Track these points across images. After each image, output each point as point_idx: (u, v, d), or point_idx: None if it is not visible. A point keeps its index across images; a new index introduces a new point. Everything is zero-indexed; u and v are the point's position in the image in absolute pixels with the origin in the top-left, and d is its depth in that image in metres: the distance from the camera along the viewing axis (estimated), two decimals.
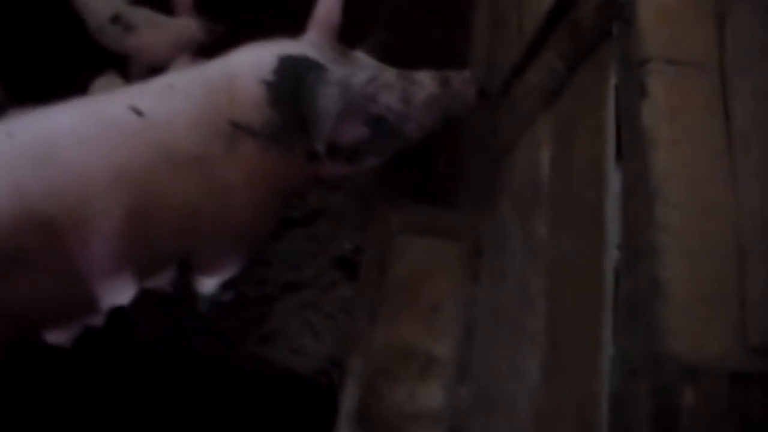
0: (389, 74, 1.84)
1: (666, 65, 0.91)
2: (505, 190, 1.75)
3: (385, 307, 1.84)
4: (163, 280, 1.81)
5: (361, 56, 1.88)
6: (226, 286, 1.89)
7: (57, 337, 1.74)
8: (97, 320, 1.73)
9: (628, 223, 0.98)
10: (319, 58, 1.77)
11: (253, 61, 1.76)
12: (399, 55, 2.86)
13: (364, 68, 1.81)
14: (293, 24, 1.94)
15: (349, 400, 1.74)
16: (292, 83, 1.72)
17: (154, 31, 2.61)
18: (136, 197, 1.65)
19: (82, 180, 1.62)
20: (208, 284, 1.88)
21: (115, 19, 2.59)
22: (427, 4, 2.91)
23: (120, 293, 1.72)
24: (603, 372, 1.08)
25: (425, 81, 1.87)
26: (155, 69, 2.60)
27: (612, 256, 1.11)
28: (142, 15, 2.59)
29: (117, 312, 1.73)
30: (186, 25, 2.60)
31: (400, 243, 1.90)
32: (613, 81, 1.19)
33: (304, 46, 1.81)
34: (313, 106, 1.70)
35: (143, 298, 1.75)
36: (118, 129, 1.67)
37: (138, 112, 1.67)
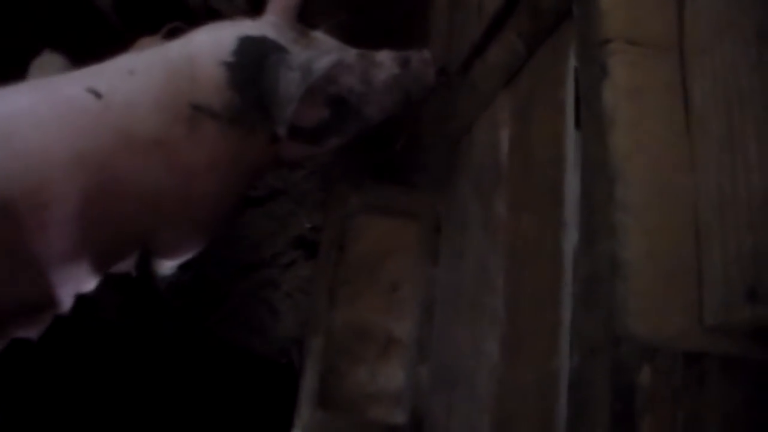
0: (349, 55, 1.83)
1: (627, 45, 0.91)
2: (464, 169, 1.76)
3: (344, 287, 1.84)
4: (123, 264, 1.79)
5: (321, 36, 1.86)
6: (185, 267, 1.88)
7: (25, 331, 1.70)
8: (64, 311, 1.70)
9: (587, 203, 0.98)
10: (279, 39, 1.76)
11: (213, 42, 1.74)
12: (359, 34, 2.86)
13: (325, 50, 1.79)
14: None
15: (309, 380, 1.74)
16: (252, 65, 1.71)
17: None
18: (96, 180, 1.63)
19: (40, 163, 1.59)
20: (167, 266, 1.87)
21: None
22: None
23: (82, 280, 1.70)
24: (562, 350, 1.09)
25: (385, 61, 1.86)
26: None
27: (571, 234, 1.12)
28: None
29: (78, 296, 1.71)
30: None
31: (360, 222, 1.90)
32: (572, 61, 1.20)
33: (264, 26, 1.79)
34: (275, 90, 1.70)
35: (103, 280, 1.74)
36: (77, 111, 1.64)
37: (96, 94, 1.64)
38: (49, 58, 2.54)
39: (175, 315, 2.06)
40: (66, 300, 1.68)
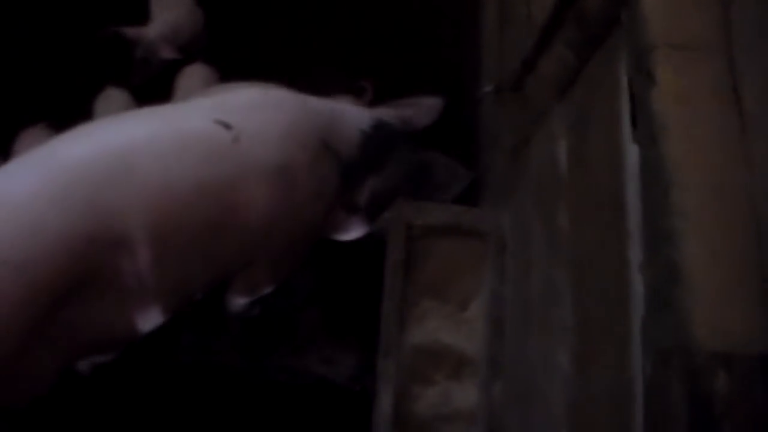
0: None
1: (672, 50, 0.91)
2: (524, 184, 1.75)
3: (412, 309, 1.84)
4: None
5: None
6: (253, 302, 1.91)
7: (103, 354, 1.74)
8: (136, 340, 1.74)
9: (647, 211, 0.97)
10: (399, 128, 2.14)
11: (357, 111, 2.11)
12: (410, 56, 2.87)
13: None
14: None
15: (383, 405, 1.74)
16: (381, 141, 2.02)
17: None
18: (217, 211, 1.68)
19: (161, 196, 1.62)
20: (237, 302, 1.90)
21: None
22: (435, 4, 2.91)
23: (173, 310, 1.73)
24: (634, 361, 1.07)
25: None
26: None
27: (635, 244, 1.11)
28: None
29: (151, 335, 1.74)
30: None
31: (424, 244, 1.90)
32: (624, 69, 1.19)
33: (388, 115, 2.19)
34: (385, 176, 2.03)
35: (173, 319, 1.77)
36: (204, 142, 1.70)
37: (226, 126, 1.70)
38: (112, 93, 2.60)
39: (248, 350, 2.08)
40: (148, 328, 1.70)
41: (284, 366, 2.09)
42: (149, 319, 1.68)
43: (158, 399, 1.99)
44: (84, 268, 1.55)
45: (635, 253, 1.11)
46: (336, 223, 1.99)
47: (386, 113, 2.21)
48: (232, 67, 2.70)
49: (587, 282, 1.33)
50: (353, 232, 2.04)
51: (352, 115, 2.06)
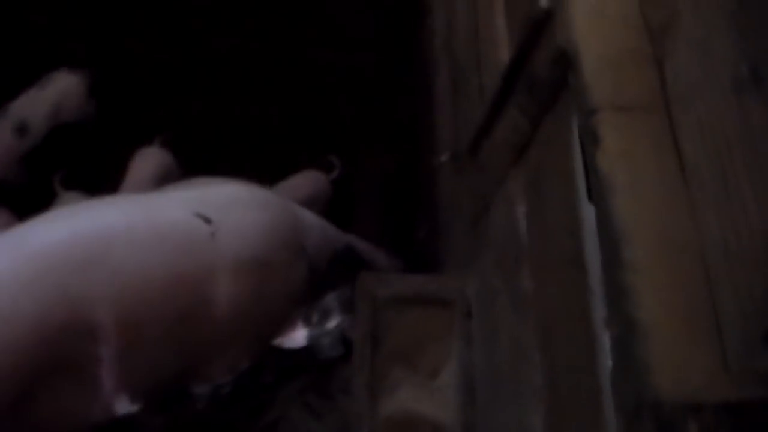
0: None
1: (614, 112, 0.94)
2: (486, 248, 1.76)
3: (383, 381, 1.83)
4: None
5: None
6: (222, 381, 1.90)
7: None
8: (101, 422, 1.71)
9: (605, 267, 0.99)
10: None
11: (334, 230, 2.20)
12: (372, 128, 2.91)
13: None
14: None
15: None
16: (346, 265, 2.08)
17: None
18: (190, 303, 1.68)
19: (136, 284, 1.61)
20: (202, 386, 1.89)
21: None
22: (392, 79, 2.96)
23: (142, 399, 1.71)
24: (607, 418, 1.08)
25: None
26: None
27: (598, 300, 1.12)
28: None
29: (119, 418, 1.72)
30: None
31: (391, 315, 1.90)
32: (575, 128, 1.22)
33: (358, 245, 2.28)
34: (339, 303, 2.07)
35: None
36: (182, 234, 1.71)
37: (206, 220, 1.71)
38: (71, 196, 2.61)
39: (220, 428, 2.06)
40: (119, 413, 1.68)
41: None
42: (118, 408, 1.66)
43: None
44: (53, 356, 1.54)
45: (599, 310, 1.12)
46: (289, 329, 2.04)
47: (358, 243, 2.29)
48: (193, 149, 2.72)
49: (554, 341, 1.34)
50: (299, 342, 2.08)
51: (329, 232, 2.12)
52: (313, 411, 2.07)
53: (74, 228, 1.65)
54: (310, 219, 2.07)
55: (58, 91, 2.75)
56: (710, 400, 0.84)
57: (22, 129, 2.71)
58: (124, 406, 1.67)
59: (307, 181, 2.81)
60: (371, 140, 2.91)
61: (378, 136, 2.91)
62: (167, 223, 1.72)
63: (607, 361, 1.08)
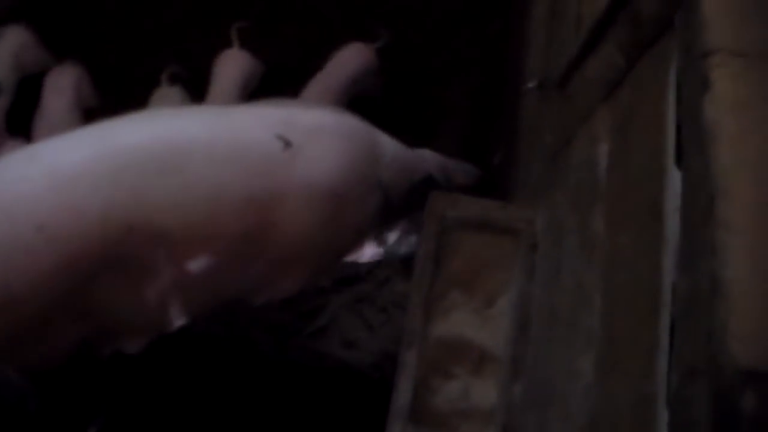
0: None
1: (731, 57, 0.88)
2: (561, 184, 1.72)
3: (439, 302, 1.82)
4: None
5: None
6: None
7: (130, 345, 1.74)
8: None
9: (687, 220, 0.95)
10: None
11: (415, 159, 2.14)
12: (457, 45, 2.86)
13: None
14: None
15: (401, 394, 1.72)
16: (423, 195, 1.97)
17: None
18: (258, 224, 1.68)
19: (209, 199, 1.63)
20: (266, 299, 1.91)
21: None
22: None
23: (203, 309, 1.73)
24: (660, 373, 1.05)
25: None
26: None
27: (671, 253, 1.08)
28: None
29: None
30: None
31: (456, 237, 1.88)
32: (673, 73, 1.16)
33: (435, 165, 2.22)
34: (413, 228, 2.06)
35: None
36: (260, 155, 1.70)
37: (287, 143, 1.70)
38: (168, 91, 2.62)
39: (271, 328, 2.09)
40: (178, 323, 1.71)
41: (306, 347, 2.09)
42: (174, 318, 1.68)
43: (175, 369, 1.99)
44: (118, 255, 1.56)
45: (669, 263, 1.09)
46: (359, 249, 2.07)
47: (435, 163, 2.23)
48: None
49: (618, 289, 1.31)
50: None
51: (408, 162, 2.08)
52: (365, 321, 2.08)
53: (157, 134, 1.66)
54: (391, 149, 2.01)
55: (13, 44, 2.76)
56: None
57: None
58: (176, 318, 1.69)
59: (351, 54, 2.76)
60: (460, 57, 2.85)
61: (468, 57, 2.85)
62: (247, 142, 1.72)
63: (668, 315, 1.05)
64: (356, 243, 1.97)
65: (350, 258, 2.07)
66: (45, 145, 1.71)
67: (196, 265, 1.64)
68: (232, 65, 2.70)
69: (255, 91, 2.75)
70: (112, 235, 1.54)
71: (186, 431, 1.98)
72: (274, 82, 2.78)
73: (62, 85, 2.69)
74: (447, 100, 2.85)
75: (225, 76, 2.68)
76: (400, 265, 2.12)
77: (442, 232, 1.87)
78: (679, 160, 1.07)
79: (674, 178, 1.10)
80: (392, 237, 2.08)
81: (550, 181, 1.82)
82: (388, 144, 2.01)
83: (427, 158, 2.21)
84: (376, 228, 2.01)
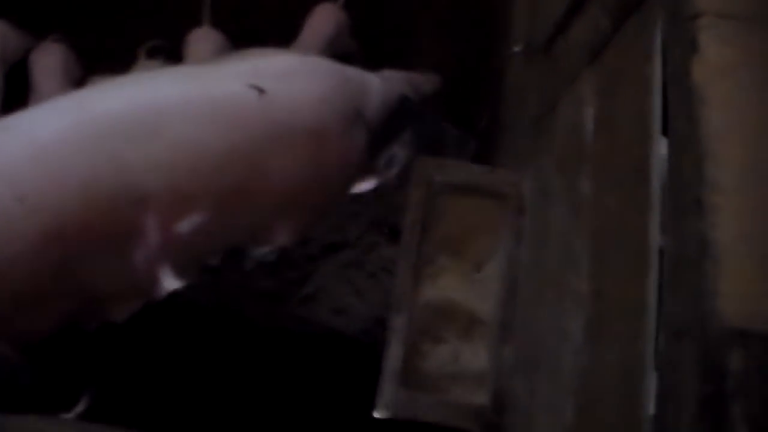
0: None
1: (719, 19, 0.88)
2: (548, 147, 1.73)
3: (427, 267, 1.83)
4: None
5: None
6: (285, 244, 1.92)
7: (117, 314, 1.74)
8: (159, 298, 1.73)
9: (674, 182, 0.96)
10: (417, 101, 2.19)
11: (386, 87, 2.10)
12: (441, 10, 2.84)
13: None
14: None
15: (392, 359, 1.74)
16: (403, 113, 2.04)
17: None
18: (245, 176, 1.68)
19: (191, 157, 1.62)
20: (254, 251, 1.91)
21: None
22: None
23: (192, 270, 1.73)
24: (648, 333, 1.06)
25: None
26: None
27: (658, 214, 1.09)
28: None
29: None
30: None
31: (443, 202, 1.89)
32: (659, 36, 1.16)
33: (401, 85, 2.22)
34: (402, 147, 2.03)
35: None
36: (236, 106, 1.70)
37: (260, 90, 1.70)
38: (148, 65, 2.58)
39: (259, 296, 2.09)
40: (168, 288, 1.71)
41: (294, 314, 2.10)
42: (164, 282, 1.68)
43: (163, 338, 2.00)
44: (103, 222, 1.55)
45: (656, 224, 1.10)
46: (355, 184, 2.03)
47: (402, 80, 2.23)
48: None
49: (606, 251, 1.32)
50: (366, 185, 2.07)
51: (380, 86, 2.06)
52: (354, 287, 2.09)
53: (132, 98, 1.65)
54: (366, 80, 2.02)
55: None
56: (764, 330, 0.82)
57: None
58: (168, 281, 1.69)
59: (320, 19, 2.72)
60: (443, 25, 2.83)
61: (452, 22, 2.83)
62: (221, 96, 1.72)
63: (656, 277, 1.06)
64: (348, 179, 1.96)
65: (348, 191, 2.07)
66: (20, 116, 1.69)
67: (185, 225, 1.64)
68: (204, 43, 2.66)
69: None
70: (95, 203, 1.53)
71: (176, 400, 1.98)
72: None
73: (52, 66, 2.65)
74: (430, 61, 2.83)
75: (197, 52, 2.64)
76: (387, 230, 2.13)
77: (429, 197, 1.88)
78: (665, 122, 1.07)
79: (660, 141, 1.11)
80: (381, 162, 2.06)
81: (537, 145, 1.82)
82: (357, 74, 2.02)
83: (394, 78, 2.21)
84: (365, 162, 1.99)
